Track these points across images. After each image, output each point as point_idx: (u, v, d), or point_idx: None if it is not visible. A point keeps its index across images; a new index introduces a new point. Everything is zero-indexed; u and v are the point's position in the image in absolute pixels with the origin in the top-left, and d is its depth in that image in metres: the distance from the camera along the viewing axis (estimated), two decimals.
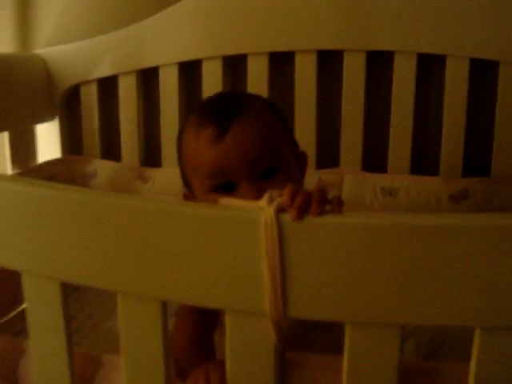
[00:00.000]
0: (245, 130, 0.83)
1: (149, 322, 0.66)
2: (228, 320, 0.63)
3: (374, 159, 1.46)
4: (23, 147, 1.60)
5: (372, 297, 0.57)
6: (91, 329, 1.31)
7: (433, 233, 0.55)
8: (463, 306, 0.55)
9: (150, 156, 1.64)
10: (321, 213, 0.57)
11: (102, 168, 1.58)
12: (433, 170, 1.41)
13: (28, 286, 0.71)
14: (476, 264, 0.54)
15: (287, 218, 0.57)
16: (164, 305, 0.65)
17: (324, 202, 0.58)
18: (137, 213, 0.62)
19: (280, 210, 0.58)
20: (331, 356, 0.68)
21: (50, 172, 1.56)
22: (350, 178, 1.41)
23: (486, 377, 0.59)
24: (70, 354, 0.73)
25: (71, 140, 1.69)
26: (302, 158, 0.94)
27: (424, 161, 1.45)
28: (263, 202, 0.59)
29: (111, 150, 1.65)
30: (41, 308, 0.71)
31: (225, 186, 0.83)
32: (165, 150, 1.57)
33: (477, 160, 1.40)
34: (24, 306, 1.27)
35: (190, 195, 0.91)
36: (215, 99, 0.94)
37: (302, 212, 0.57)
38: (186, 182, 0.92)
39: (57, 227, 0.66)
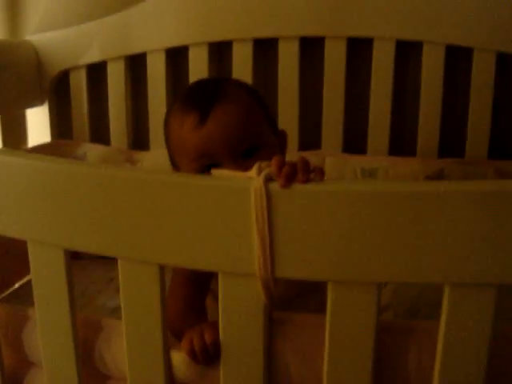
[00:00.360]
0: (224, 114, 0.90)
1: (148, 285, 0.71)
2: (221, 281, 0.69)
3: (355, 141, 1.52)
4: (14, 131, 1.64)
5: (352, 258, 0.63)
6: (84, 306, 1.36)
7: (404, 198, 0.61)
8: (432, 264, 0.62)
9: (138, 139, 1.68)
10: (306, 180, 0.63)
11: (92, 151, 1.62)
12: (410, 151, 1.48)
13: (33, 254, 0.77)
14: (443, 226, 0.61)
15: (275, 186, 0.63)
16: (161, 268, 0.71)
17: (308, 172, 0.64)
18: (136, 183, 0.68)
19: (268, 180, 0.64)
20: (315, 315, 0.74)
21: None
22: (331, 160, 1.47)
23: (455, 332, 0.66)
24: (73, 319, 0.78)
25: (61, 124, 1.73)
26: (282, 136, 1.00)
27: (402, 142, 1.52)
28: (253, 172, 0.65)
29: (100, 134, 1.70)
30: (46, 275, 0.77)
31: (210, 167, 0.89)
32: (152, 133, 1.61)
33: (452, 141, 1.47)
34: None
35: None
36: (197, 86, 1.01)
37: (290, 180, 0.63)
38: (174, 164, 0.98)
39: (60, 198, 0.72)
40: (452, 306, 0.64)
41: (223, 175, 0.75)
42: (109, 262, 1.57)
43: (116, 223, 0.70)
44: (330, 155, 1.48)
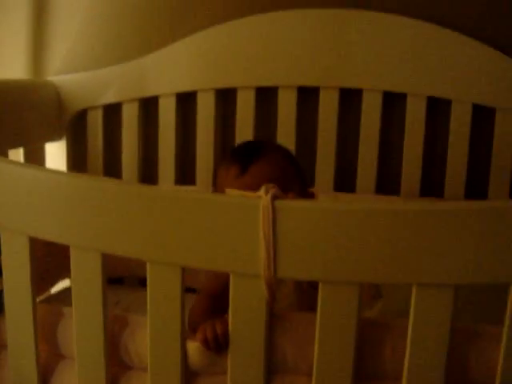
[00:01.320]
0: (261, 169, 1.10)
1: (171, 284, 0.87)
2: (232, 281, 0.84)
3: (344, 181, 1.68)
4: (34, 162, 1.79)
5: (338, 262, 0.79)
6: None
7: (383, 214, 0.77)
8: (402, 266, 0.77)
9: (148, 175, 1.83)
10: None
11: None
12: (394, 191, 1.64)
13: (75, 258, 0.92)
14: (414, 236, 0.77)
15: (279, 203, 0.79)
16: (183, 270, 0.86)
17: None
18: (164, 200, 0.84)
19: (274, 198, 0.80)
20: (308, 313, 0.89)
21: None
22: (323, 197, 1.62)
23: (422, 329, 0.81)
24: (105, 316, 0.93)
25: (76, 158, 1.88)
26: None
27: (387, 183, 1.67)
28: (261, 192, 0.81)
29: (113, 169, 1.84)
30: (84, 276, 0.92)
31: None
32: (161, 169, 1.77)
33: (432, 182, 1.63)
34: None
35: None
36: (242, 145, 1.27)
37: None
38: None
39: (99, 209, 0.88)
40: (417, 303, 0.80)
41: (237, 194, 0.90)
42: (114, 286, 1.73)
43: (146, 232, 0.85)
44: (322, 192, 1.62)
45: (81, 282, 0.93)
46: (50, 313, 1.03)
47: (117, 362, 0.98)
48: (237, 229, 0.81)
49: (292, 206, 0.80)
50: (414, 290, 0.79)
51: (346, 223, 0.78)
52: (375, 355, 0.88)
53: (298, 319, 0.90)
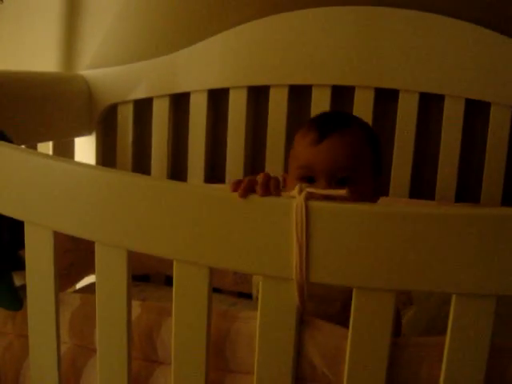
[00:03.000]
0: (337, 142, 1.06)
1: (199, 285, 0.83)
2: (262, 285, 0.81)
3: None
4: (63, 157, 1.78)
5: (374, 268, 0.75)
6: None
7: (415, 220, 0.73)
8: (441, 273, 0.73)
9: (177, 171, 1.82)
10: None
11: None
12: (429, 196, 1.59)
13: (100, 254, 0.89)
14: (450, 243, 0.72)
15: (314, 204, 0.75)
16: (211, 270, 0.83)
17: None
18: (196, 197, 0.81)
19: (308, 198, 0.76)
20: (341, 327, 0.86)
21: None
22: None
23: (458, 340, 0.77)
24: (129, 315, 0.90)
25: (106, 153, 1.88)
26: (380, 183, 1.14)
27: (422, 187, 1.63)
28: (295, 192, 0.77)
29: (142, 164, 1.84)
30: (109, 272, 0.89)
31: (308, 178, 1.05)
32: (191, 166, 1.75)
33: (468, 187, 1.59)
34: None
35: (286, 176, 1.13)
36: (328, 114, 1.26)
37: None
38: (287, 166, 1.15)
39: (125, 205, 0.85)
40: (457, 314, 0.75)
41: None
42: (140, 283, 1.71)
43: (175, 230, 0.82)
44: None
45: (105, 279, 0.90)
46: (85, 302, 1.01)
47: (143, 356, 0.96)
48: (268, 230, 0.78)
49: (326, 207, 0.76)
50: (453, 300, 0.75)
51: (383, 226, 0.74)
52: (409, 375, 0.83)
53: (331, 332, 0.86)
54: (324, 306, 0.98)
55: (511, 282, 0.72)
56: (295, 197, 0.77)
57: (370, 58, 1.59)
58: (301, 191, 0.77)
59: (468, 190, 1.59)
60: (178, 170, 1.81)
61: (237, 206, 0.79)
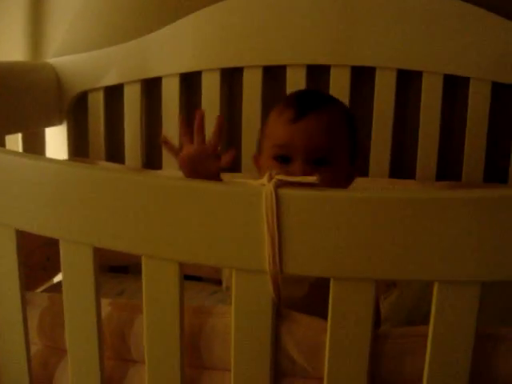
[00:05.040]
0: (315, 122, 1.02)
1: (168, 280, 0.79)
2: (235, 278, 0.77)
3: None
4: (33, 148, 1.72)
5: (351, 257, 0.71)
6: None
7: (397, 203, 0.69)
8: (423, 262, 0.70)
9: (152, 159, 1.77)
10: None
11: None
12: (410, 174, 1.56)
13: (65, 252, 0.85)
14: (434, 228, 0.69)
15: (284, 191, 0.71)
16: (181, 265, 0.78)
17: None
18: (159, 189, 0.76)
19: (278, 186, 0.72)
20: (319, 319, 0.82)
21: None
22: None
23: (442, 327, 0.73)
24: (98, 314, 0.86)
25: (78, 143, 1.81)
26: (355, 169, 1.10)
27: (402, 166, 1.60)
28: (264, 179, 0.73)
29: (115, 153, 1.78)
30: (76, 270, 0.85)
31: (283, 157, 1.02)
32: (165, 153, 1.69)
33: (450, 165, 1.55)
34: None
35: (258, 157, 1.11)
36: (305, 92, 1.25)
37: None
38: (260, 146, 1.12)
39: (91, 201, 0.80)
40: (440, 302, 0.72)
41: (239, 182, 0.83)
42: (119, 275, 1.67)
43: (141, 224, 0.78)
44: None
45: (72, 278, 0.86)
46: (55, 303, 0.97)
47: (116, 356, 0.92)
48: (238, 221, 0.73)
49: (298, 194, 0.71)
50: (435, 288, 0.71)
51: (358, 213, 0.70)
52: (393, 367, 0.80)
53: (309, 324, 0.82)
54: (291, 287, 0.95)
55: (497, 268, 0.69)
56: (265, 184, 0.73)
57: (346, 35, 1.54)
58: (271, 178, 0.73)
59: (449, 168, 1.56)
60: (152, 158, 1.76)
61: (203, 196, 0.74)
